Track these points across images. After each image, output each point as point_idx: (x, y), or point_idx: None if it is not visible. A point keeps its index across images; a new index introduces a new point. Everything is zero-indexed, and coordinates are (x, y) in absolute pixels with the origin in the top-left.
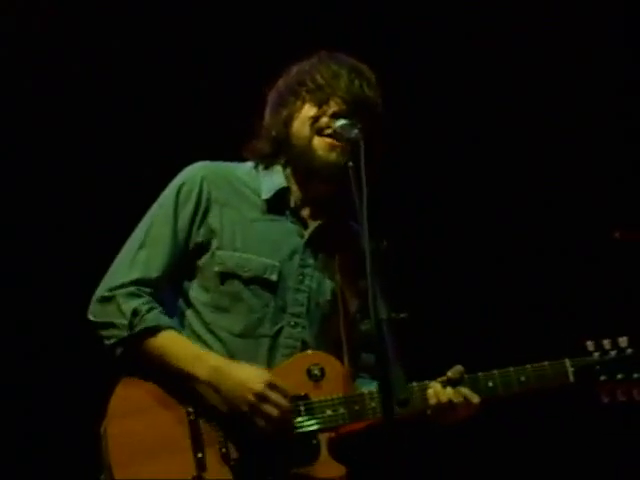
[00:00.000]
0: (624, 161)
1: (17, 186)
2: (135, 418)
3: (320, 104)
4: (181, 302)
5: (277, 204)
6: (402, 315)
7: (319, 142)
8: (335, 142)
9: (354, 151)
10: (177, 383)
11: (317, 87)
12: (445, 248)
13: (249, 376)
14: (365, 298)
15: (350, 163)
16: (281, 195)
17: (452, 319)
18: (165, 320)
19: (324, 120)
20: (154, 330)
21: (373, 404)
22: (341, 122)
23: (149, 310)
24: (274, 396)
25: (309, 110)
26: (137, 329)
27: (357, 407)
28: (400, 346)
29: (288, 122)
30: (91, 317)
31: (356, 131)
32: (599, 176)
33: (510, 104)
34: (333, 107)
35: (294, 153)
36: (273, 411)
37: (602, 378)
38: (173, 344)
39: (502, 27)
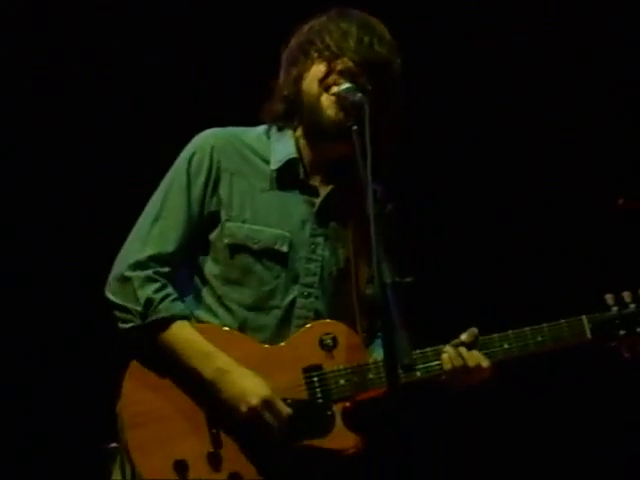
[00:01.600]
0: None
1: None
2: (149, 397)
3: (329, 63)
4: (195, 277)
5: (286, 174)
6: (407, 279)
7: (327, 100)
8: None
9: (358, 114)
10: (184, 376)
11: (326, 47)
12: (455, 208)
13: (248, 389)
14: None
15: (354, 127)
16: (291, 165)
17: (465, 281)
18: (178, 309)
19: (332, 77)
20: (167, 321)
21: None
22: (345, 86)
23: (162, 299)
24: (267, 415)
25: (318, 68)
26: (149, 320)
27: (371, 375)
28: (405, 310)
29: (298, 81)
30: (110, 295)
31: (360, 94)
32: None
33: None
34: (340, 65)
35: (304, 112)
36: (264, 429)
37: (622, 333)
38: (184, 338)
39: (501, 25)
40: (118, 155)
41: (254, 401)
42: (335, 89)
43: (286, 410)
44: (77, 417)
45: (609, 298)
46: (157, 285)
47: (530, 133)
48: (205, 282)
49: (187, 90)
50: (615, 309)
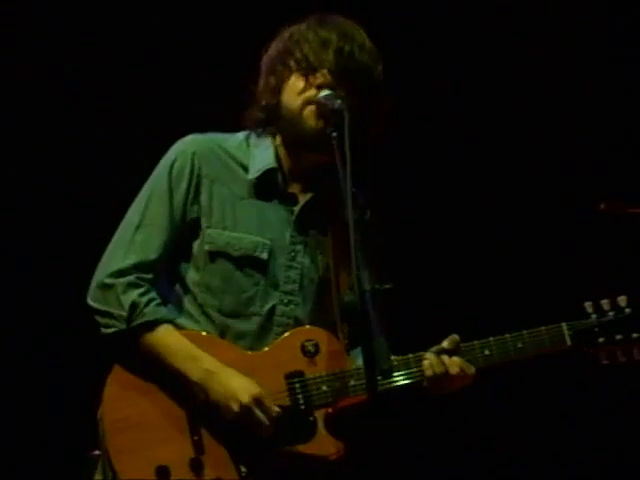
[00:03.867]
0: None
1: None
2: (130, 403)
3: (307, 75)
4: (177, 284)
5: (265, 183)
6: (386, 286)
7: (307, 112)
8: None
9: (338, 121)
10: (170, 379)
11: (304, 59)
12: (434, 214)
13: (238, 387)
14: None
15: (334, 133)
16: (269, 174)
17: (445, 287)
18: (163, 313)
19: (311, 92)
20: (152, 325)
21: None
22: (325, 92)
23: (147, 303)
24: (258, 412)
25: (297, 81)
26: (135, 323)
27: (352, 382)
28: (384, 317)
29: (277, 92)
30: (91, 302)
31: (339, 101)
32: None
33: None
34: (320, 79)
35: (284, 123)
36: (255, 427)
37: (600, 340)
38: (169, 341)
39: (497, 24)
40: (106, 158)
41: (245, 398)
42: (314, 96)
43: (275, 408)
44: (61, 424)
45: (588, 306)
46: (141, 290)
47: (513, 138)
48: (186, 289)
49: (171, 92)
50: (594, 317)
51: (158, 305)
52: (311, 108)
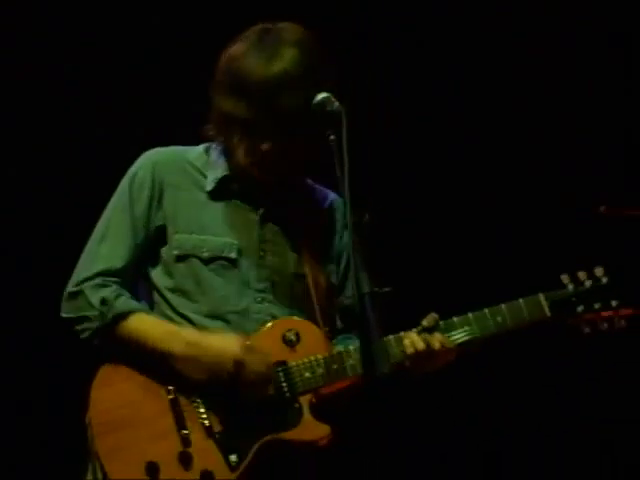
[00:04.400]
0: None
1: None
2: (117, 404)
3: (251, 139)
4: (151, 289)
5: (223, 191)
6: (385, 289)
7: (254, 170)
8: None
9: (336, 124)
10: (155, 363)
11: (247, 124)
12: (412, 190)
13: (226, 344)
14: (333, 258)
15: (332, 136)
16: (224, 183)
17: (422, 265)
18: (134, 304)
19: (256, 156)
20: (125, 315)
21: (351, 361)
22: (322, 95)
23: (117, 297)
24: (253, 359)
25: (241, 142)
26: (108, 317)
27: (335, 366)
28: (382, 319)
29: (224, 136)
30: (64, 314)
31: (337, 104)
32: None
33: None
34: (262, 146)
35: (233, 161)
36: (254, 375)
37: (579, 309)
38: (146, 325)
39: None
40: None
41: (237, 351)
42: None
43: (267, 354)
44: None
45: (565, 278)
46: (110, 288)
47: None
48: (160, 295)
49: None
50: (571, 287)
51: (129, 299)
52: (256, 169)
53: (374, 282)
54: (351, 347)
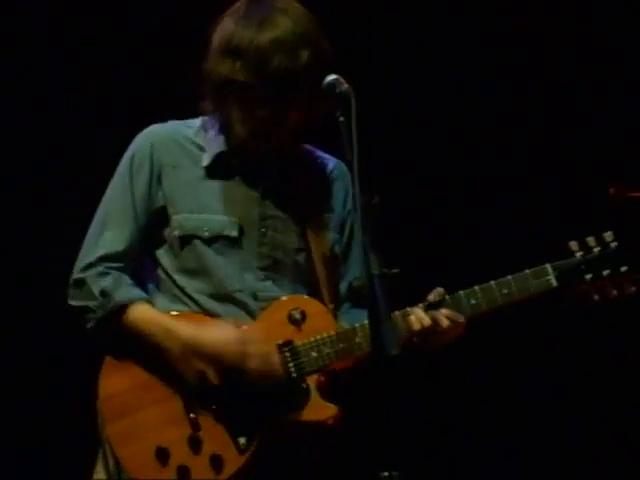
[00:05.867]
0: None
1: None
2: (124, 391)
3: (251, 106)
4: (158, 270)
5: (221, 167)
6: (394, 270)
7: (252, 142)
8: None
9: (345, 106)
10: (157, 357)
11: (247, 88)
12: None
13: (223, 337)
14: (336, 227)
15: (341, 118)
16: (222, 158)
17: (428, 239)
18: (133, 294)
19: (254, 123)
20: (124, 307)
21: (357, 339)
22: (331, 77)
23: (116, 287)
24: (254, 347)
25: (240, 109)
26: (108, 308)
27: (342, 344)
28: (391, 301)
29: (221, 106)
30: (70, 302)
31: (346, 86)
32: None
33: None
34: (263, 111)
35: (231, 133)
36: (256, 363)
37: (588, 277)
38: (143, 319)
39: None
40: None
41: (236, 342)
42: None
43: (267, 339)
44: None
45: (573, 245)
46: (110, 277)
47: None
48: (166, 275)
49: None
50: (579, 254)
51: (129, 286)
52: (255, 139)
53: (383, 263)
54: (357, 324)
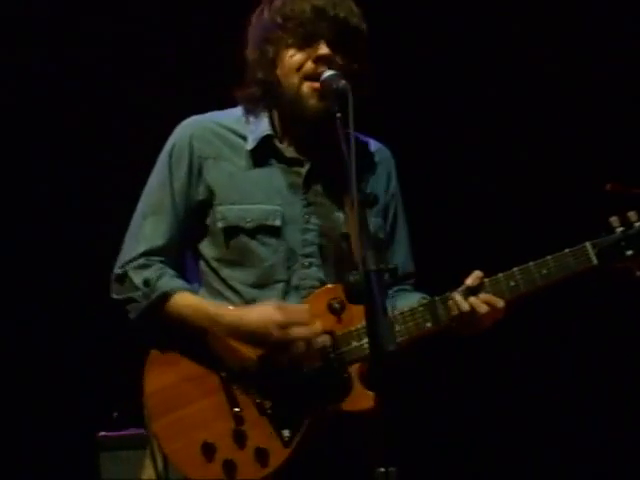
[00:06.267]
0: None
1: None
2: (169, 386)
3: (303, 48)
4: (200, 262)
5: (265, 152)
6: (391, 266)
7: (307, 89)
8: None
9: (342, 101)
10: (202, 348)
11: (299, 30)
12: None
13: (263, 315)
14: (379, 212)
15: (338, 114)
16: (266, 141)
17: (466, 221)
18: (176, 283)
19: (309, 67)
20: (167, 295)
21: (397, 327)
22: (328, 73)
23: (159, 277)
24: (299, 330)
25: (293, 55)
26: (152, 298)
27: None
28: (385, 297)
29: (273, 66)
30: (113, 295)
31: (343, 82)
32: None
33: None
34: (318, 51)
35: (283, 99)
36: (301, 332)
37: (629, 253)
38: (188, 308)
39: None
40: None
41: (277, 318)
42: (316, 78)
43: (304, 313)
44: (70, 406)
45: (614, 220)
46: (152, 268)
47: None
48: (209, 266)
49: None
50: (619, 230)
51: (172, 277)
52: (310, 85)
53: (379, 259)
54: (396, 312)
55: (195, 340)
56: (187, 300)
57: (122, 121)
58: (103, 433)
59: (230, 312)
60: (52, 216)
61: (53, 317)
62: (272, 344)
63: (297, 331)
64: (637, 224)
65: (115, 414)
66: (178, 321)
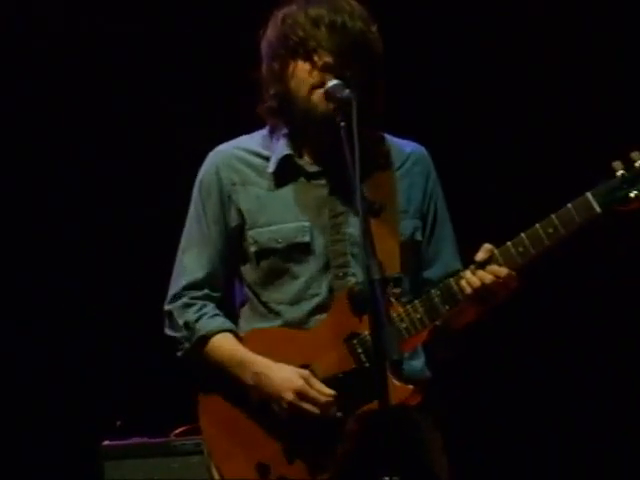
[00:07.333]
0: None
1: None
2: (221, 415)
3: (308, 59)
4: (244, 287)
5: (286, 171)
6: (396, 274)
7: (316, 98)
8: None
9: (346, 111)
10: (236, 387)
11: (300, 42)
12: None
13: (281, 385)
14: (416, 213)
15: (342, 123)
16: (286, 161)
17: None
18: (215, 324)
19: (316, 76)
20: (205, 339)
21: (418, 315)
22: (332, 82)
23: (198, 319)
24: (306, 405)
25: (299, 67)
26: (192, 341)
27: (404, 324)
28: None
29: (283, 79)
30: (166, 331)
31: (347, 90)
32: None
33: None
34: (322, 59)
35: (296, 111)
36: (312, 408)
37: (633, 194)
38: (221, 351)
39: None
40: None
41: (289, 396)
42: (320, 81)
43: (325, 391)
44: (73, 416)
45: (617, 165)
46: (194, 308)
47: None
48: (251, 290)
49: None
50: (619, 173)
51: (211, 317)
52: (319, 93)
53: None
54: (416, 301)
55: (230, 381)
56: (222, 343)
57: (123, 121)
58: (107, 442)
59: (259, 362)
60: (52, 216)
61: (56, 325)
62: (283, 414)
63: (309, 408)
64: (638, 163)
65: (119, 423)
66: (215, 363)
